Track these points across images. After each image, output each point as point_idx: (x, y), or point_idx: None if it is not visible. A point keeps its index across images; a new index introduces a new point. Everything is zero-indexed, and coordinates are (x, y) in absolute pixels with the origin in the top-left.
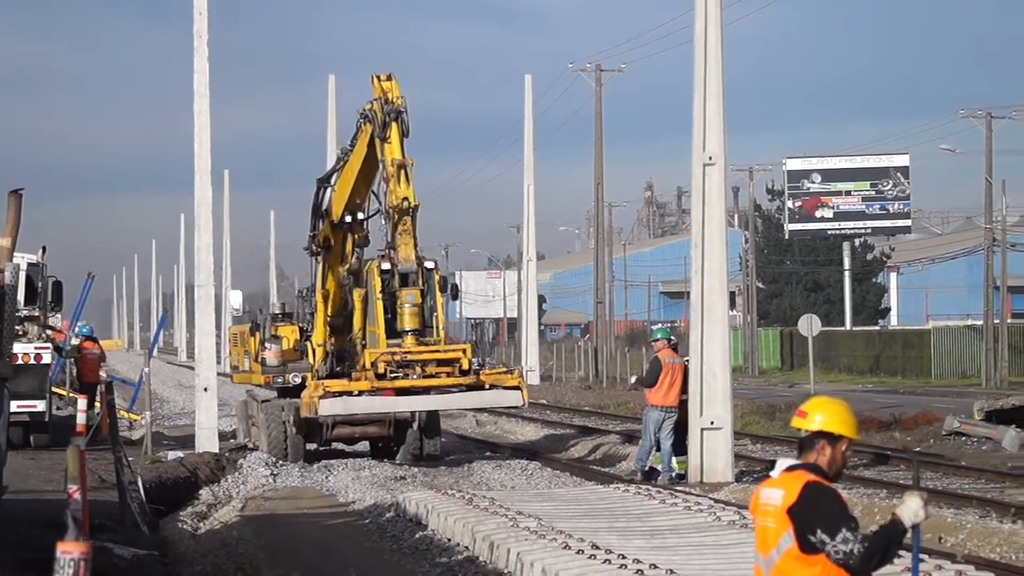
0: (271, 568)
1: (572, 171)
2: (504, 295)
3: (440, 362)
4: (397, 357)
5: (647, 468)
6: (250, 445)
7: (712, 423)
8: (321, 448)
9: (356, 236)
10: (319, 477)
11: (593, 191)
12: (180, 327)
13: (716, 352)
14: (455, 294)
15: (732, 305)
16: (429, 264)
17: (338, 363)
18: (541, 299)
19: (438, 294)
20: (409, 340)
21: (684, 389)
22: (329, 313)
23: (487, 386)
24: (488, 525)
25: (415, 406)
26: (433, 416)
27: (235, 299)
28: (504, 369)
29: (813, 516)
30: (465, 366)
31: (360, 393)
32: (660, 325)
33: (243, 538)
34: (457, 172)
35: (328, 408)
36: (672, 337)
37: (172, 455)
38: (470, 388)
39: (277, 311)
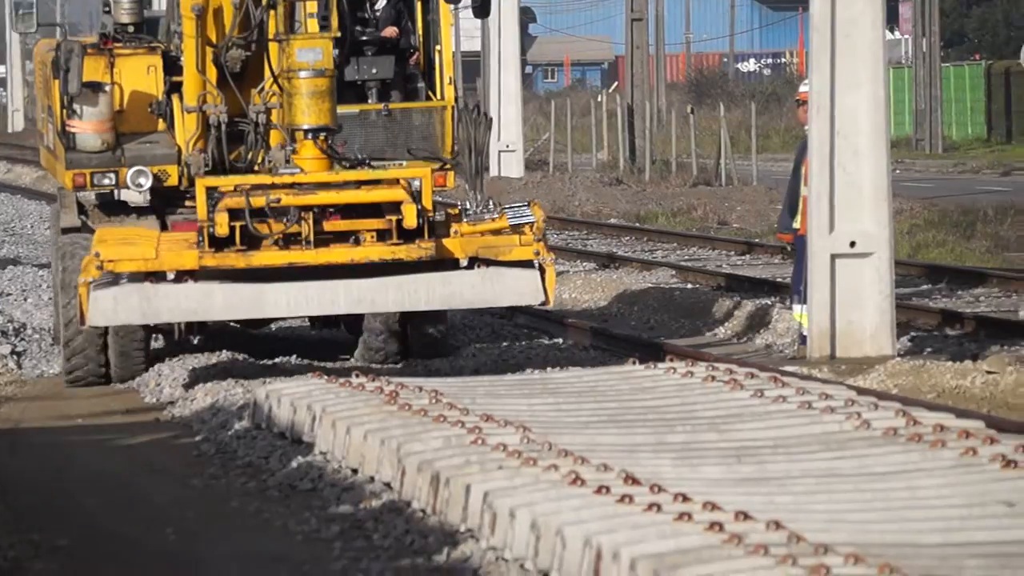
0: (15, 534)
1: None
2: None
3: (360, 209)
4: (259, 199)
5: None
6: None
7: (853, 245)
8: (186, 338)
9: None
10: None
11: None
12: None
13: (861, 111)
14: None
15: (893, 22)
16: None
17: (233, 147)
18: (526, 16)
19: (444, 6)
20: (306, 147)
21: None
22: (213, 37)
23: (465, 261)
24: (429, 442)
25: (301, 306)
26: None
27: None
28: (503, 222)
29: None
30: (411, 220)
31: (181, 276)
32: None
33: None
34: None
35: (107, 311)
36: None
37: None
38: (418, 267)
39: (121, 20)
